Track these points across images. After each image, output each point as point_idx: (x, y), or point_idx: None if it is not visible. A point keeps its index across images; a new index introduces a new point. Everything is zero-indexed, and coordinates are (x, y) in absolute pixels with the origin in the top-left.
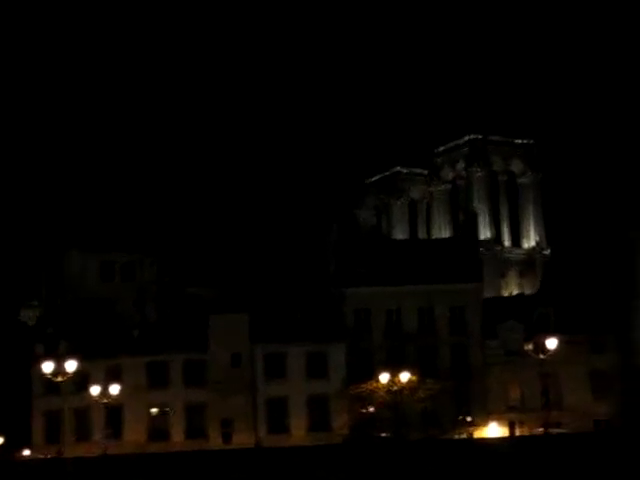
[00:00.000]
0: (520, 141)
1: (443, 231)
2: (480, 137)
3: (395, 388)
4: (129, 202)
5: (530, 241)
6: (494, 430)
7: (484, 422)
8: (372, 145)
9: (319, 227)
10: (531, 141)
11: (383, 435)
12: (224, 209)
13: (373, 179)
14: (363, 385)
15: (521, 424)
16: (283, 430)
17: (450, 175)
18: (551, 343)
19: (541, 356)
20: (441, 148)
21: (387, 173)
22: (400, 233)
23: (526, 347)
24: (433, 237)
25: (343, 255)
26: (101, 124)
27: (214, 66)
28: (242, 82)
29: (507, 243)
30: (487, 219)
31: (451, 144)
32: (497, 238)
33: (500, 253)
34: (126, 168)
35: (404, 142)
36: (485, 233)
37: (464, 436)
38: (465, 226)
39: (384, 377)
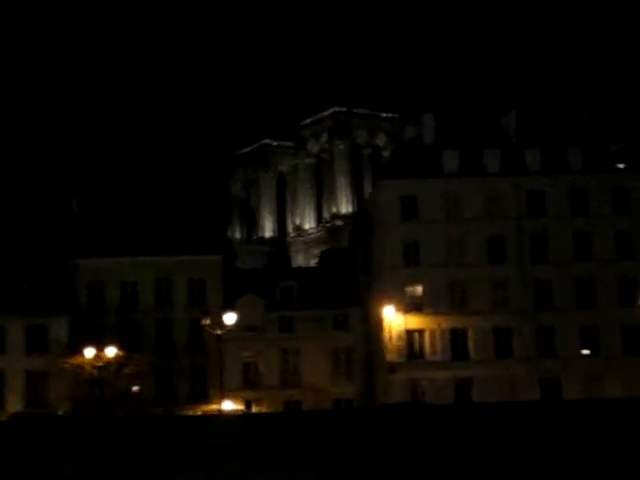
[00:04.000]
0: (385, 115)
1: (308, 205)
2: (344, 110)
3: (100, 364)
4: None
5: None
6: (228, 407)
7: (219, 399)
8: (242, 117)
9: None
10: (396, 115)
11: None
12: None
13: (243, 151)
14: (68, 360)
15: (258, 402)
16: None
17: (315, 148)
18: (229, 318)
19: (218, 332)
20: (308, 121)
21: (256, 146)
22: (268, 207)
23: (203, 322)
24: (298, 211)
25: (85, 225)
26: None
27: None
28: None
29: None
30: (349, 194)
31: (317, 117)
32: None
33: None
34: None
35: (274, 114)
36: (347, 208)
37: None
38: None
39: (89, 352)
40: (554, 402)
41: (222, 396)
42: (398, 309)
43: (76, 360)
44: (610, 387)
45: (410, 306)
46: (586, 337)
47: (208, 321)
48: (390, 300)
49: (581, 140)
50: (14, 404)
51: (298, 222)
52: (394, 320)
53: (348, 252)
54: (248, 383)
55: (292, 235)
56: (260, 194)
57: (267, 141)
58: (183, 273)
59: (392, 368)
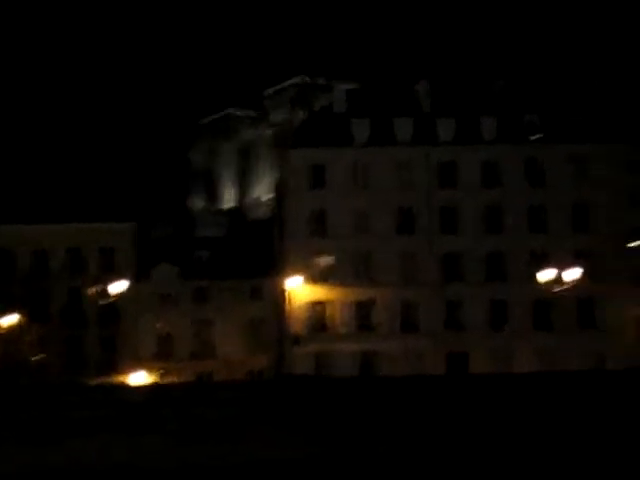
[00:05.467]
0: (347, 86)
1: (268, 176)
2: (306, 80)
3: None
4: None
5: None
6: (139, 378)
7: (130, 370)
8: (205, 86)
9: None
10: (358, 86)
11: None
12: None
13: (205, 121)
14: None
15: (167, 373)
16: None
17: (278, 118)
18: (118, 286)
19: (101, 302)
20: (270, 90)
21: (219, 115)
22: (229, 177)
23: (89, 291)
24: (258, 181)
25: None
26: None
27: None
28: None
29: None
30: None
31: (278, 86)
32: None
33: None
34: None
35: (237, 83)
36: None
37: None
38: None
39: None
40: (458, 376)
41: (135, 367)
42: (303, 280)
43: None
44: (518, 362)
45: (316, 277)
46: (495, 311)
47: (93, 290)
48: (295, 271)
49: (495, 110)
50: None
51: (257, 192)
52: (299, 291)
53: (268, 221)
54: (160, 354)
55: (251, 205)
56: (222, 164)
57: (231, 110)
58: (94, 241)
59: (297, 340)
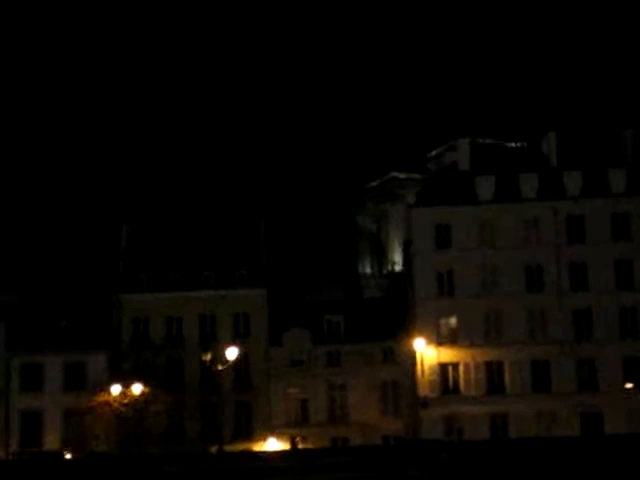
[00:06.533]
0: (514, 144)
1: None
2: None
3: (126, 401)
4: None
5: None
6: (273, 445)
7: (263, 437)
8: (369, 150)
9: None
10: (524, 143)
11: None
12: None
13: (372, 185)
14: (96, 398)
15: (304, 439)
16: (37, 444)
17: None
18: (231, 353)
19: (220, 367)
20: (433, 153)
21: (384, 179)
22: (397, 239)
23: (204, 358)
24: None
25: (131, 260)
26: None
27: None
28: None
29: None
30: None
31: (440, 149)
32: None
33: None
34: None
35: (400, 146)
36: None
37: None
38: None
39: (116, 389)
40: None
41: (268, 433)
42: (431, 341)
43: (103, 398)
44: None
45: (444, 338)
46: (629, 369)
47: (209, 357)
48: (422, 332)
49: (623, 161)
50: (52, 443)
51: None
52: (426, 353)
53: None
54: (293, 420)
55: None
56: (388, 227)
57: (395, 174)
58: (228, 308)
59: (424, 403)
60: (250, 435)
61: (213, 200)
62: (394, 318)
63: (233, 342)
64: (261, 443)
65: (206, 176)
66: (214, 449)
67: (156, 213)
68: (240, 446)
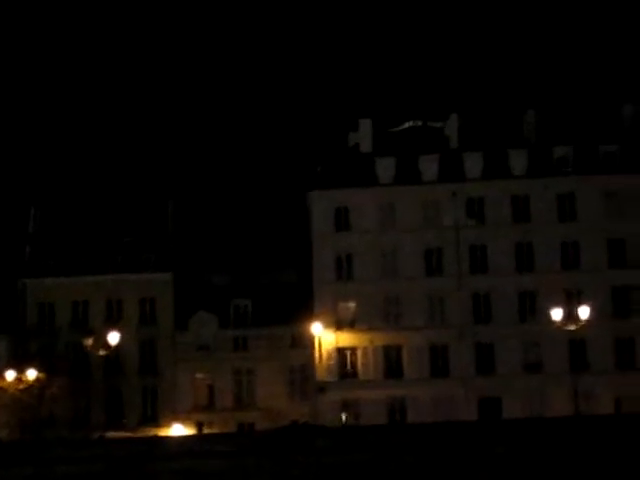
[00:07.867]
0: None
1: None
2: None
3: (22, 386)
4: None
5: None
6: (179, 431)
7: (169, 422)
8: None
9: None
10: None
11: None
12: None
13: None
14: None
15: (210, 424)
16: None
17: None
18: (113, 338)
19: (101, 352)
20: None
21: None
22: None
23: (85, 342)
24: None
25: (39, 244)
26: None
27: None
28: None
29: None
30: None
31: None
32: None
33: None
34: None
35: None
36: None
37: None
38: None
39: (10, 374)
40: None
41: (173, 419)
42: (329, 326)
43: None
44: (555, 405)
45: (343, 323)
46: (528, 353)
47: (90, 341)
48: (321, 317)
49: (525, 143)
50: None
51: None
52: (325, 337)
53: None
54: (199, 405)
55: None
56: None
57: None
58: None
59: (322, 388)
60: (156, 420)
61: (124, 183)
62: (303, 302)
63: (139, 326)
64: (167, 429)
65: (117, 158)
66: (96, 435)
67: (66, 196)
68: (147, 432)
